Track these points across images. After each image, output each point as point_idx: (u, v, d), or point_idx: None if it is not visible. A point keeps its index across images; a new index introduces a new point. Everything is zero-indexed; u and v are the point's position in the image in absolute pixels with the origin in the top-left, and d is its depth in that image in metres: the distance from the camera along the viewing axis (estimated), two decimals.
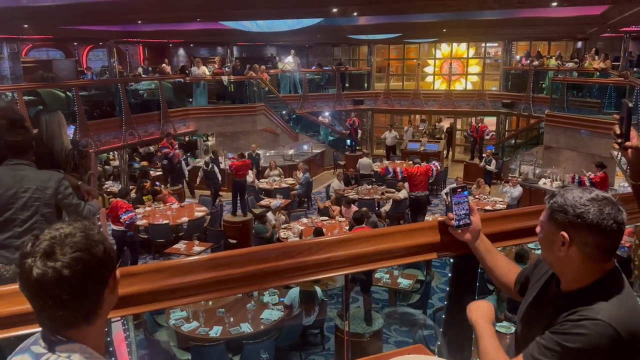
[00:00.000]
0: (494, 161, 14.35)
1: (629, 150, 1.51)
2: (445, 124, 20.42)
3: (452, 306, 1.92)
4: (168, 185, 12.70)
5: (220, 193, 12.94)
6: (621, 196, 1.73)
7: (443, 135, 19.33)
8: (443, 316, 1.95)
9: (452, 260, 1.84)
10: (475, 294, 1.95)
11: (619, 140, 1.52)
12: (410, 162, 15.55)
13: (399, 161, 16.04)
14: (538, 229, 1.39)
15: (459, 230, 1.69)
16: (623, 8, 7.73)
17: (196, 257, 1.52)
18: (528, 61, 17.17)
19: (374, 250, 1.68)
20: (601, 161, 10.69)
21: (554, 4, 7.18)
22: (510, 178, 12.58)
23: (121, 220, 8.46)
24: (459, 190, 1.74)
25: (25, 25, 10.77)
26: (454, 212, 1.70)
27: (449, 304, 1.92)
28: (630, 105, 1.54)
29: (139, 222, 9.69)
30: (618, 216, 1.24)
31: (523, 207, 12.23)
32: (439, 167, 9.88)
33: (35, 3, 5.91)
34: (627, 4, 7.02)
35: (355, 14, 9.71)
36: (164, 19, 10.32)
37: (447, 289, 1.89)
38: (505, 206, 11.45)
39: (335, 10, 8.55)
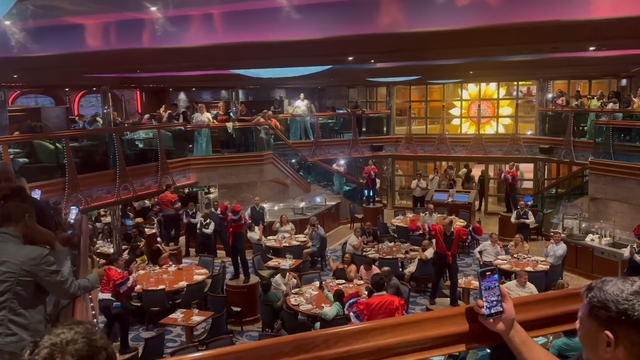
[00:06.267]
0: (530, 214, 14.20)
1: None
2: (476, 172, 20.37)
3: None
4: (171, 244, 12.71)
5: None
6: None
7: (474, 185, 19.31)
8: None
9: (488, 350, 1.83)
10: None
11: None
12: (440, 215, 15.60)
13: (423, 214, 15.95)
14: (577, 325, 1.40)
15: (491, 320, 1.69)
16: None
17: (200, 354, 1.55)
18: (560, 100, 17.20)
19: (399, 341, 1.68)
20: None
21: (592, 48, 7.31)
22: (552, 234, 12.45)
23: (120, 292, 8.50)
24: (488, 273, 1.73)
25: (15, 76, 11.18)
26: (483, 299, 1.69)
27: None
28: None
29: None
30: None
31: (568, 267, 12.15)
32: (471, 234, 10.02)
33: (27, 54, 6.20)
34: None
35: (372, 61, 9.97)
36: (165, 68, 10.66)
37: None
38: (548, 266, 11.30)
39: (351, 58, 8.78)
